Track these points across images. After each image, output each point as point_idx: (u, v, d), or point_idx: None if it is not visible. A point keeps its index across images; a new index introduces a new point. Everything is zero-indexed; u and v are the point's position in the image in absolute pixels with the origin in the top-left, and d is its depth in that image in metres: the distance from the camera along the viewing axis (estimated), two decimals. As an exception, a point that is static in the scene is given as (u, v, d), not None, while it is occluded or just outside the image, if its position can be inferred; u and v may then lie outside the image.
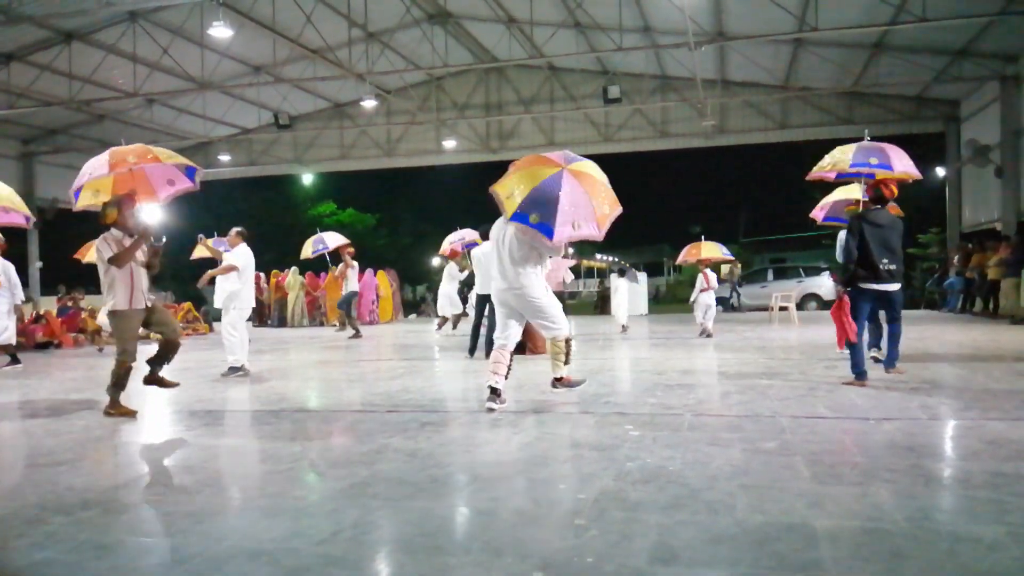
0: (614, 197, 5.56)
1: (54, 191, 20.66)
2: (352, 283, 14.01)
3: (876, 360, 7.55)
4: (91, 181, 5.92)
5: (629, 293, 14.56)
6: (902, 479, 3.46)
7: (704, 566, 2.54)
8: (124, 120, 20.57)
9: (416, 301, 27.16)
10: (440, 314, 14.47)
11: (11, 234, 9.64)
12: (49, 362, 10.86)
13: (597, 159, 5.96)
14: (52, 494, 3.59)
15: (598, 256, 50.21)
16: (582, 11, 16.25)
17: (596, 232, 5.37)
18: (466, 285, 15.36)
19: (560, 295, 10.84)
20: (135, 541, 2.96)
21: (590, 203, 5.34)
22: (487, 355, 9.36)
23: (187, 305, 18.07)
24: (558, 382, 5.80)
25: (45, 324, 13.74)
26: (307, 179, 34.76)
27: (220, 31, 12.95)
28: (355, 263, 14.00)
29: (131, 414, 5.72)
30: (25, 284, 20.46)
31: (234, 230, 8.74)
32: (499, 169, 5.94)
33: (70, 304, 15.05)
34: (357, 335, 13.69)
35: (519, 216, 5.40)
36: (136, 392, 6.28)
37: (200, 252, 11.82)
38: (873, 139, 7.11)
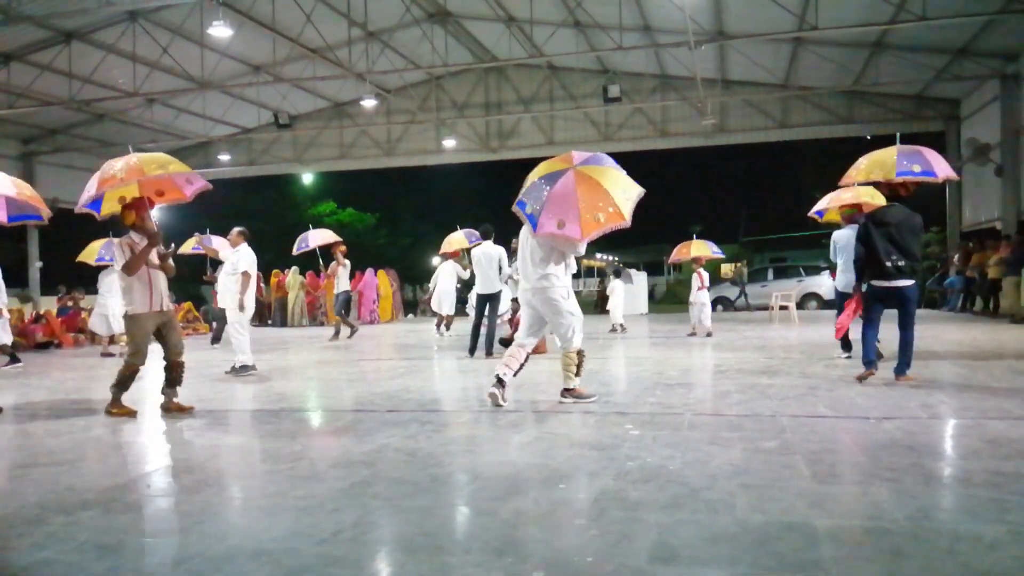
0: (619, 210, 5.31)
1: (54, 191, 20.58)
2: (343, 282, 13.75)
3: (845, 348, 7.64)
4: (114, 190, 5.85)
5: (626, 293, 14.55)
6: (902, 478, 3.46)
7: (704, 565, 2.54)
8: (124, 120, 20.57)
9: (415, 300, 27.15)
10: (436, 311, 14.22)
11: (11, 234, 9.64)
12: (49, 362, 10.86)
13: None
14: (53, 494, 3.60)
15: (598, 255, 50.24)
16: (582, 10, 16.24)
17: (578, 236, 5.34)
18: (466, 285, 15.33)
19: None
20: (136, 541, 2.96)
21: (577, 206, 5.29)
22: (487, 354, 9.40)
23: (187, 305, 18.09)
24: (568, 392, 5.77)
25: (45, 324, 13.75)
26: (307, 178, 34.78)
27: (220, 30, 12.95)
28: (347, 262, 13.74)
29: (132, 414, 5.74)
30: (25, 284, 20.65)
31: (236, 230, 8.73)
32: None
33: (70, 304, 15.07)
34: (353, 332, 13.57)
35: (520, 203, 5.53)
36: (136, 391, 6.28)
37: (190, 246, 11.77)
38: (904, 141, 7.01)
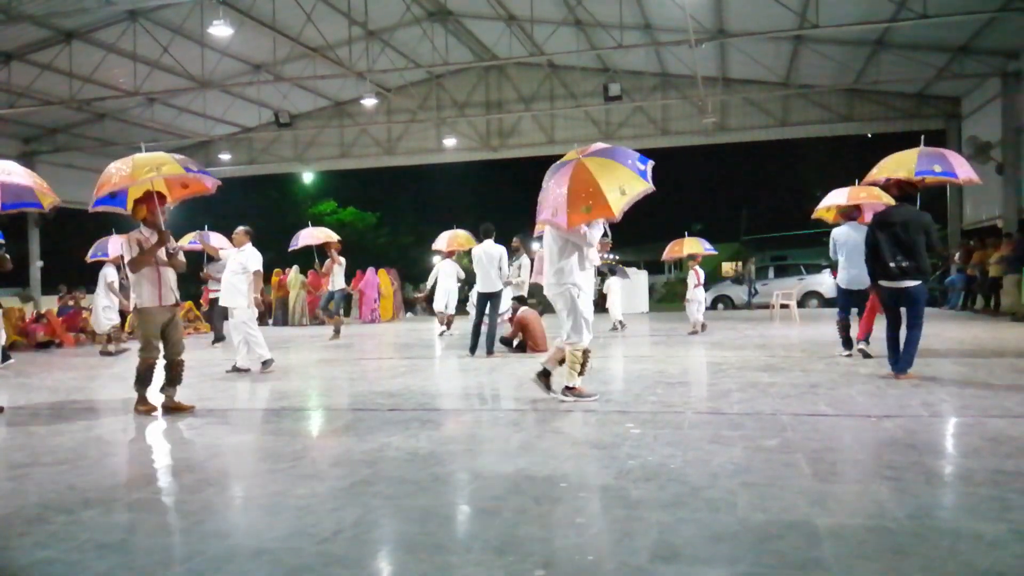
0: (607, 205, 5.23)
1: (55, 190, 20.63)
2: (338, 281, 13.63)
3: (865, 355, 7.64)
4: (139, 185, 5.85)
5: (623, 291, 14.55)
6: (904, 476, 3.46)
7: (705, 564, 2.54)
8: (125, 119, 20.56)
9: (420, 298, 27.16)
10: (441, 311, 14.12)
11: (12, 233, 9.65)
12: (50, 361, 10.87)
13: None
14: (54, 493, 3.60)
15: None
16: (582, 9, 16.23)
17: (563, 225, 5.43)
18: (467, 284, 15.29)
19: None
20: (137, 540, 2.96)
21: (566, 196, 5.35)
22: (488, 353, 9.40)
23: (188, 304, 18.08)
24: (569, 391, 5.76)
25: (46, 323, 13.76)
26: (307, 178, 34.75)
27: (220, 30, 12.94)
28: (342, 260, 13.70)
29: (155, 410, 5.78)
30: (26, 283, 20.65)
31: (241, 229, 8.73)
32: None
33: (71, 303, 15.08)
34: (336, 335, 13.39)
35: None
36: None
37: (187, 240, 11.72)
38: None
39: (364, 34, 17.49)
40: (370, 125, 23.13)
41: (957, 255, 16.97)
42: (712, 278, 29.64)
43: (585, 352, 5.74)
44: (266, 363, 8.44)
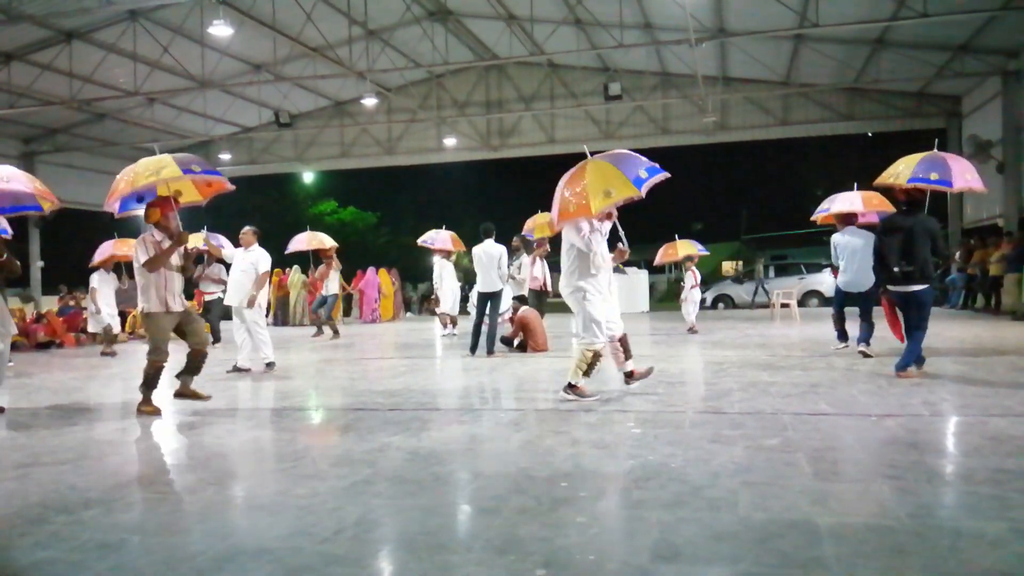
0: (587, 203, 5.38)
1: (55, 190, 20.52)
2: (332, 285, 13.69)
3: (865, 355, 7.70)
4: (167, 184, 5.89)
5: (620, 288, 14.55)
6: (904, 475, 3.46)
7: (706, 563, 2.54)
8: (125, 119, 20.56)
9: (419, 298, 27.13)
10: (446, 311, 14.01)
11: (12, 234, 9.64)
12: (51, 362, 10.87)
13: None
14: (55, 493, 3.60)
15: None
16: (582, 8, 16.23)
17: (555, 222, 5.82)
18: (467, 284, 15.26)
19: (543, 293, 10.87)
20: (138, 540, 2.96)
21: (562, 193, 5.67)
22: (488, 353, 9.40)
23: (191, 304, 18.08)
24: (571, 388, 5.77)
25: (46, 324, 13.76)
26: (308, 177, 34.76)
27: (220, 29, 12.94)
28: (339, 264, 13.65)
29: (158, 412, 5.77)
30: (27, 284, 20.66)
31: (248, 229, 8.75)
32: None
33: (71, 304, 15.08)
34: (319, 333, 13.52)
35: None
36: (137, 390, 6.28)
37: (198, 241, 11.74)
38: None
39: (364, 34, 17.49)
40: (370, 125, 23.14)
41: (958, 254, 16.97)
42: (713, 278, 29.64)
43: (596, 354, 5.74)
44: (269, 364, 8.49)
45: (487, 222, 9.94)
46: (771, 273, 23.95)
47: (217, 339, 12.40)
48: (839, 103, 20.11)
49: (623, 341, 5.99)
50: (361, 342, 12.80)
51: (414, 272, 28.62)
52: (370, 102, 18.41)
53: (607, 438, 4.45)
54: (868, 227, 8.48)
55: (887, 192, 7.61)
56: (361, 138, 23.98)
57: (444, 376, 8.06)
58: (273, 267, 9.29)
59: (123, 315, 11.81)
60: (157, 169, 5.73)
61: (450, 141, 22.68)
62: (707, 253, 14.58)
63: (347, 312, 19.93)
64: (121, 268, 12.17)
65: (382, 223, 40.21)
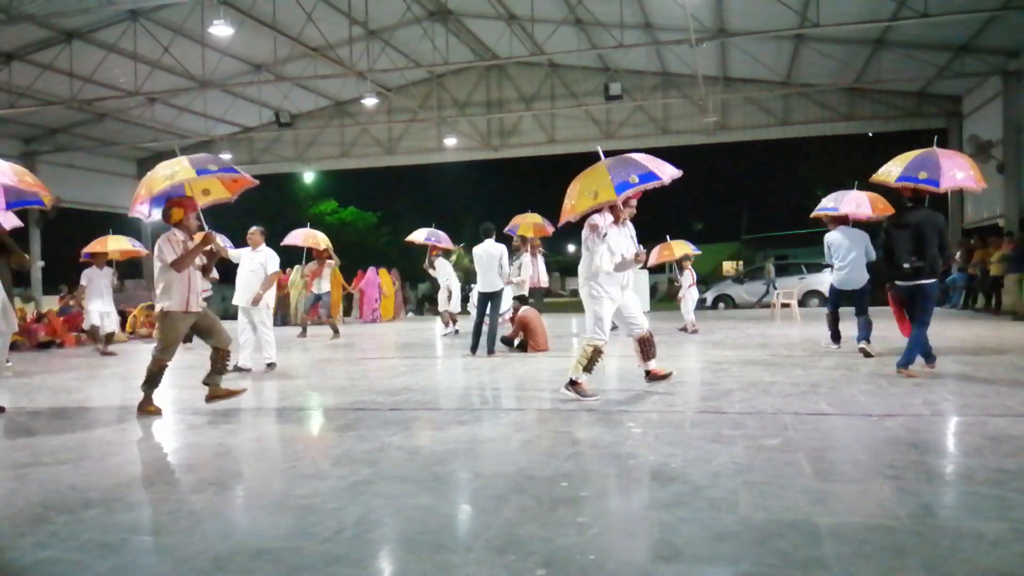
0: (572, 205, 5.72)
1: (56, 190, 20.55)
2: (324, 284, 13.72)
3: (866, 354, 7.71)
4: (194, 183, 5.96)
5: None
6: (905, 475, 3.46)
7: (707, 563, 2.54)
8: (125, 119, 20.58)
9: (419, 298, 27.11)
10: (449, 311, 13.98)
11: (13, 234, 9.63)
12: (51, 361, 10.87)
13: (598, 157, 5.97)
14: (55, 493, 3.60)
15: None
16: (583, 8, 16.23)
17: (560, 222, 6.01)
18: (468, 283, 15.23)
19: (539, 291, 10.90)
20: (138, 540, 2.96)
21: (567, 193, 5.88)
22: (489, 353, 9.41)
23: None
24: (572, 386, 5.78)
25: (47, 324, 13.77)
26: (308, 177, 34.78)
27: (221, 29, 12.95)
28: (330, 261, 13.67)
29: (159, 412, 5.75)
30: (27, 283, 20.66)
31: (256, 229, 8.79)
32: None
33: (72, 304, 15.08)
34: (303, 334, 13.69)
35: None
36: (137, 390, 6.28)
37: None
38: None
39: (364, 34, 17.50)
40: (371, 125, 23.14)
41: (958, 254, 16.96)
42: (713, 277, 29.62)
43: (597, 349, 5.77)
44: (270, 365, 8.53)
45: (487, 222, 9.95)
46: (772, 273, 23.97)
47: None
48: (840, 103, 20.11)
49: (646, 340, 6.02)
50: (361, 342, 12.80)
51: (414, 272, 28.62)
52: (370, 102, 18.42)
53: (607, 438, 4.45)
54: (861, 225, 8.59)
55: (885, 191, 7.59)
56: (361, 138, 23.98)
57: (444, 376, 8.06)
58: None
59: (123, 315, 11.79)
60: (171, 175, 5.77)
61: (450, 141, 22.68)
62: (699, 252, 14.70)
63: (347, 312, 19.93)
64: (113, 265, 12.21)
65: (382, 223, 40.21)
